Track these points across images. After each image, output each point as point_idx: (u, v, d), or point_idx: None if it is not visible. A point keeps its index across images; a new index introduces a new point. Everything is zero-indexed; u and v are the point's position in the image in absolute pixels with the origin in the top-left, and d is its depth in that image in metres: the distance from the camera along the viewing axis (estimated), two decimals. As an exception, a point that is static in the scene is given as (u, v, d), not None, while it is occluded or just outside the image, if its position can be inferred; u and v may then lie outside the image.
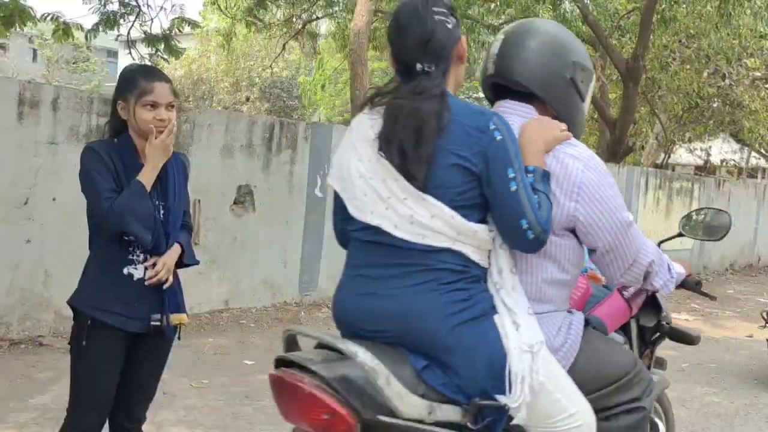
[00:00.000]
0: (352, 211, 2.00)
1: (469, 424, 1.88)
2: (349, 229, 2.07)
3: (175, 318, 2.69)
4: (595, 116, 15.43)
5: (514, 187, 1.88)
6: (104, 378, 2.61)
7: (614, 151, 12.58)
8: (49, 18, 9.81)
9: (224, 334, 6.31)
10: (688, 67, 13.36)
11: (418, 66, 1.98)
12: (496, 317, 1.92)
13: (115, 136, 2.66)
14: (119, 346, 2.61)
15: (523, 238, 1.90)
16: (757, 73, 14.41)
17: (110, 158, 2.56)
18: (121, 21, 10.52)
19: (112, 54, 41.73)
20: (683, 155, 25.44)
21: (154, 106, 2.57)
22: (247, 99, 27.75)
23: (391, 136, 1.92)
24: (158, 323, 2.63)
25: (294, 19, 14.59)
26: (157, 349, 2.74)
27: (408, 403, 1.83)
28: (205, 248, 6.55)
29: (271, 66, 20.46)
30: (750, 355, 7.21)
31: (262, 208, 7.23)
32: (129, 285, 2.59)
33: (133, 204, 2.50)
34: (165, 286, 2.63)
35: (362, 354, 1.84)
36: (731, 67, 13.63)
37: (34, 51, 37.07)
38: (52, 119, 5.72)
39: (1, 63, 32.26)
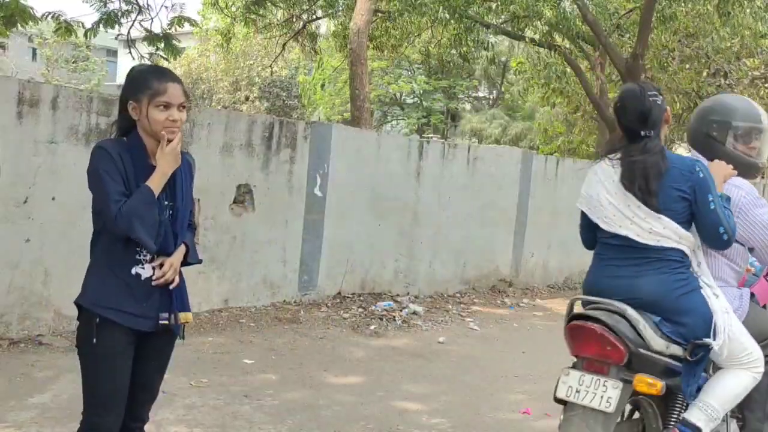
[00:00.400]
0: (603, 225, 3.10)
1: (688, 357, 2.98)
2: (598, 236, 3.18)
3: (182, 317, 2.70)
4: (595, 116, 15.43)
5: (713, 207, 2.97)
6: (118, 376, 2.60)
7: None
8: (50, 17, 9.82)
9: (223, 333, 6.32)
10: (687, 66, 13.36)
11: (642, 132, 3.03)
12: (702, 290, 3.01)
13: (123, 136, 2.66)
14: (129, 344, 2.62)
15: (720, 240, 3.00)
16: (756, 73, 14.41)
17: (120, 158, 2.56)
18: (122, 20, 10.52)
19: (112, 53, 41.72)
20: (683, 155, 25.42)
21: (167, 106, 2.57)
22: (247, 98, 27.74)
23: (632, 178, 3.00)
24: (167, 322, 2.64)
25: (294, 19, 14.59)
26: (163, 348, 2.75)
27: (656, 341, 2.94)
28: (205, 247, 6.56)
29: (270, 65, 20.45)
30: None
31: (261, 207, 7.24)
32: (137, 284, 2.60)
33: (141, 210, 2.51)
34: (172, 286, 2.64)
35: (630, 310, 2.96)
36: (732, 65, 13.62)
37: (34, 50, 37.05)
38: (52, 118, 5.72)
39: (1, 62, 32.24)
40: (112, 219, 2.50)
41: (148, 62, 11.09)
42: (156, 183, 2.57)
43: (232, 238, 7.00)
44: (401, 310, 7.77)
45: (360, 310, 7.64)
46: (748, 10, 10.67)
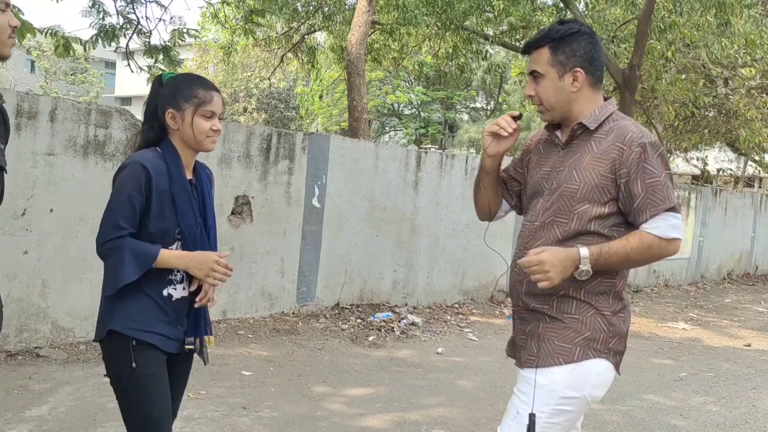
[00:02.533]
0: None
1: None
2: None
3: (208, 340, 2.65)
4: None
5: None
6: (165, 396, 2.53)
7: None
8: (48, 33, 9.85)
9: (222, 344, 6.30)
10: (684, 76, 13.41)
11: None
12: None
13: (150, 145, 2.56)
14: (163, 365, 2.54)
15: None
16: (753, 83, 14.46)
17: (155, 173, 2.45)
18: (120, 34, 10.57)
19: (110, 65, 41.86)
20: (680, 164, 25.51)
21: (211, 116, 2.54)
22: (245, 109, 27.80)
23: None
24: (192, 347, 2.59)
25: (292, 32, 14.65)
26: (186, 371, 2.71)
27: None
28: (203, 259, 6.55)
29: (269, 77, 20.51)
30: (748, 364, 7.21)
31: (259, 218, 7.24)
32: (168, 306, 2.54)
33: (132, 261, 2.42)
34: (210, 305, 2.61)
35: None
36: (730, 73, 13.67)
37: (32, 62, 37.16)
38: (50, 130, 5.73)
39: (-1, 74, 32.30)
40: (103, 241, 2.46)
41: (147, 74, 11.13)
42: (168, 261, 2.47)
43: (230, 250, 7.00)
44: (400, 321, 7.77)
45: (358, 321, 7.63)
46: (749, 19, 10.70)
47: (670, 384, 6.23)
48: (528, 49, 2.47)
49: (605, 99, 2.49)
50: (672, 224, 2.33)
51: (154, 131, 2.56)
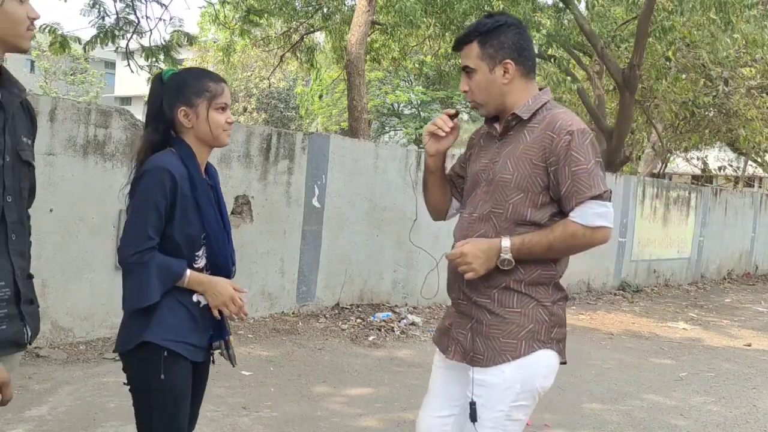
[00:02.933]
0: None
1: None
2: None
3: (230, 341, 2.60)
4: (593, 126, 15.46)
5: None
6: (185, 411, 2.49)
7: (611, 160, 12.62)
8: (46, 30, 9.84)
9: (222, 344, 6.30)
10: (684, 76, 13.41)
11: None
12: None
13: (155, 148, 2.44)
14: (189, 376, 2.48)
15: None
16: (753, 82, 14.46)
17: (182, 180, 2.36)
18: (120, 34, 10.55)
19: (110, 65, 41.85)
20: (680, 164, 25.51)
21: (225, 108, 2.46)
22: (245, 109, 27.80)
23: None
24: (219, 350, 2.55)
25: (291, 32, 14.64)
26: (206, 377, 2.65)
27: None
28: (203, 259, 6.55)
29: (268, 77, 20.50)
30: (748, 364, 7.20)
31: (259, 218, 7.24)
32: (197, 312, 2.47)
33: (157, 281, 2.34)
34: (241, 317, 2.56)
35: None
36: (731, 72, 13.66)
37: (32, 62, 37.13)
38: (50, 130, 5.72)
39: (-1, 74, 32.27)
40: (127, 255, 2.33)
41: (147, 74, 11.12)
42: (193, 282, 2.42)
43: (230, 250, 6.99)
44: (400, 321, 7.76)
45: (358, 321, 7.63)
46: (750, 18, 10.70)
47: (671, 384, 6.23)
48: (458, 46, 2.47)
49: (540, 89, 2.49)
50: (597, 212, 2.30)
51: (159, 133, 2.44)
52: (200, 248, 2.47)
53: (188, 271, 2.39)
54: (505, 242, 2.31)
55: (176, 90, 2.44)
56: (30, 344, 2.17)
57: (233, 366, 2.65)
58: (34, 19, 2.07)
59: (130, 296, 2.37)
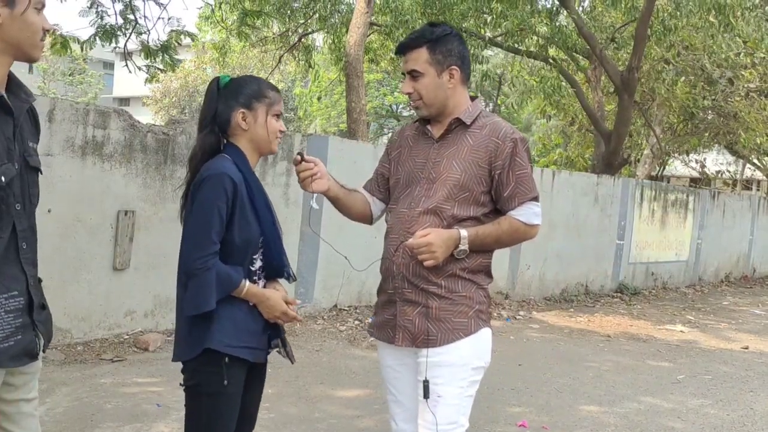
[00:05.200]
0: None
1: None
2: None
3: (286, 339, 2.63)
4: (591, 129, 15.47)
5: None
6: (234, 418, 2.49)
7: (610, 163, 12.63)
8: (48, 29, 9.83)
9: (219, 346, 6.29)
10: (683, 79, 13.43)
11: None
12: None
13: (212, 151, 2.49)
14: (244, 380, 2.51)
15: None
16: (752, 85, 14.48)
17: (240, 186, 2.42)
18: (119, 34, 10.55)
19: (108, 65, 41.82)
20: (678, 167, 25.53)
21: (279, 116, 2.58)
22: (243, 111, 27.74)
23: None
24: (278, 348, 2.59)
25: (289, 33, 14.64)
26: (263, 377, 2.67)
27: None
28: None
29: (267, 78, 20.50)
30: (746, 367, 7.21)
31: (257, 219, 7.23)
32: (256, 315, 2.49)
33: (215, 289, 2.35)
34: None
35: None
36: (732, 72, 13.68)
37: (30, 63, 37.08)
38: (48, 131, 5.71)
39: (-3, 75, 32.26)
40: (194, 258, 2.35)
41: (146, 74, 11.12)
42: (249, 294, 2.44)
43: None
44: (398, 323, 7.75)
45: (356, 322, 7.62)
46: (751, 20, 10.72)
47: (668, 386, 6.23)
48: (404, 50, 2.64)
49: (473, 98, 2.71)
50: (535, 212, 2.63)
51: (214, 134, 2.49)
52: (258, 251, 2.51)
53: (245, 282, 2.43)
54: (464, 233, 2.53)
55: (236, 93, 2.50)
56: (44, 352, 2.17)
57: (292, 363, 2.67)
58: (47, 30, 2.07)
59: (191, 302, 2.38)
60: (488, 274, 2.70)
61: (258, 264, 2.52)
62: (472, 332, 2.59)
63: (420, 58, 2.58)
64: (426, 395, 2.53)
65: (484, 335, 2.64)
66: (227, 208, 2.38)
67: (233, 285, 2.39)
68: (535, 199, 2.62)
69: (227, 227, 2.40)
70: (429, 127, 2.69)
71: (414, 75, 2.60)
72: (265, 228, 2.52)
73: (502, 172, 2.56)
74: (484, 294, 2.67)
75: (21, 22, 1.98)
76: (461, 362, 2.56)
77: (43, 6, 2.04)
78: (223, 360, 2.39)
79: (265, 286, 2.54)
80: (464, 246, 2.53)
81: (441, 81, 2.60)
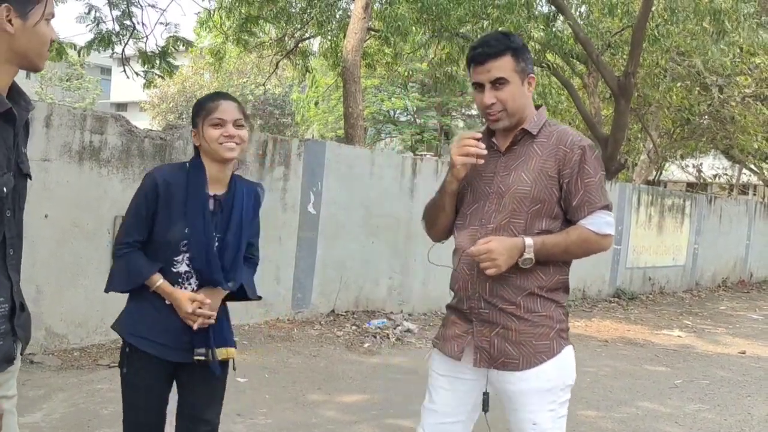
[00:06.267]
0: None
1: None
2: None
3: (221, 353, 2.63)
4: (588, 134, 15.50)
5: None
6: (144, 404, 2.60)
7: (606, 168, 12.64)
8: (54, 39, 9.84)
9: (217, 351, 6.28)
10: (679, 84, 13.46)
11: None
12: None
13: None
14: (159, 374, 2.59)
15: None
16: (748, 91, 14.52)
17: (166, 185, 2.54)
18: (116, 40, 10.55)
19: (106, 71, 41.79)
20: (675, 172, 25.57)
21: (221, 123, 2.57)
22: (241, 116, 27.70)
23: None
24: (202, 358, 2.59)
25: (286, 38, 14.65)
26: (209, 378, 2.66)
27: None
28: (198, 265, 6.54)
29: (264, 83, 20.52)
30: (743, 372, 7.21)
31: (255, 224, 7.23)
32: (174, 315, 2.55)
33: (126, 273, 2.57)
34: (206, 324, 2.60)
35: None
36: (725, 80, 13.72)
37: (28, 68, 37.01)
38: (45, 136, 5.72)
39: (-6, 80, 32.19)
40: (116, 244, 2.61)
41: (143, 80, 11.13)
42: (159, 288, 2.54)
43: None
44: (395, 328, 7.76)
45: (354, 327, 7.62)
46: (746, 26, 10.75)
47: (665, 391, 6.23)
48: (486, 59, 2.49)
49: (537, 107, 2.62)
50: (606, 221, 2.50)
51: (196, 155, 2.67)
52: (179, 254, 2.57)
53: (156, 278, 2.54)
54: (529, 241, 2.43)
55: (191, 116, 2.68)
56: (22, 354, 2.17)
57: (215, 375, 2.67)
58: (54, 40, 2.08)
59: (107, 281, 2.63)
60: (566, 291, 2.60)
61: (183, 268, 2.58)
62: (556, 353, 2.49)
63: (506, 65, 2.47)
64: (486, 408, 2.54)
65: (567, 353, 2.54)
66: (146, 207, 2.55)
67: (141, 277, 2.53)
68: (607, 207, 2.50)
69: (153, 225, 2.56)
70: (494, 139, 2.58)
71: (499, 83, 2.48)
72: (192, 234, 2.55)
73: (570, 181, 2.48)
74: (563, 312, 2.57)
75: (32, 34, 1.98)
76: (549, 386, 2.48)
77: (53, 17, 2.05)
78: (125, 347, 2.59)
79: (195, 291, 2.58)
80: (529, 254, 2.42)
81: (523, 89, 2.52)
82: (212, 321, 2.60)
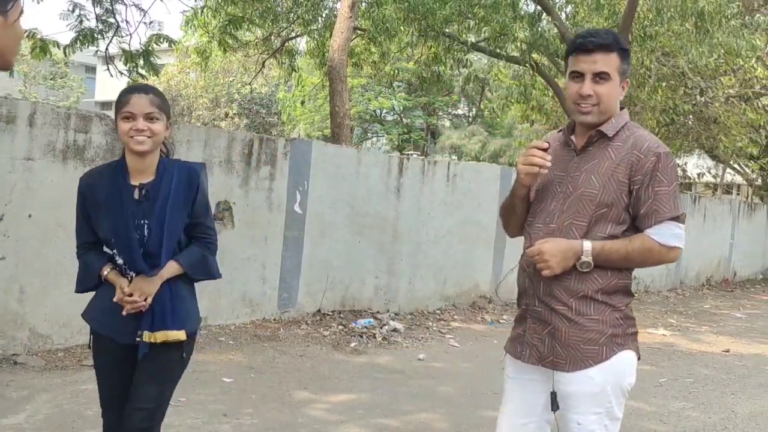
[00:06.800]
0: None
1: None
2: None
3: (160, 335, 2.67)
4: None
5: None
6: (104, 385, 2.78)
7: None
8: (25, 35, 9.74)
9: (202, 351, 6.26)
10: (664, 84, 13.53)
11: None
12: None
13: None
14: (116, 356, 2.73)
15: None
16: (732, 91, 14.62)
17: (89, 188, 2.73)
18: (99, 37, 10.46)
19: (90, 69, 41.51)
20: (660, 171, 25.66)
21: (131, 117, 2.61)
22: (226, 115, 27.69)
23: None
24: (140, 339, 2.67)
25: (272, 38, 14.60)
26: (155, 359, 2.70)
27: None
28: (184, 265, 6.50)
29: (250, 83, 20.46)
30: (726, 370, 7.27)
31: (240, 224, 7.21)
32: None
33: (81, 277, 2.84)
34: (143, 309, 2.67)
35: None
36: (709, 83, 13.81)
37: (11, 66, 36.67)
38: (29, 135, 5.67)
39: (-23, 78, 31.91)
40: (75, 247, 2.85)
41: (129, 79, 11.05)
42: (110, 279, 2.72)
43: (211, 256, 6.95)
44: (381, 328, 7.75)
45: (340, 327, 7.61)
46: (731, 25, 10.82)
47: (650, 390, 6.27)
48: (593, 49, 2.44)
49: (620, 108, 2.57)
50: (675, 233, 2.43)
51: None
52: (114, 248, 2.72)
53: (105, 269, 2.72)
54: (587, 245, 2.38)
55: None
56: None
57: (138, 357, 2.72)
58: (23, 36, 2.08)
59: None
60: (626, 294, 2.52)
61: (120, 260, 2.72)
62: (604, 359, 2.44)
63: (612, 62, 2.43)
64: (555, 407, 2.50)
65: (620, 359, 2.46)
66: (81, 211, 2.78)
67: (95, 272, 2.74)
68: (677, 219, 2.41)
69: (93, 225, 2.76)
70: (573, 137, 2.55)
71: (601, 77, 2.43)
72: (111, 229, 2.68)
73: (640, 188, 2.40)
74: (620, 315, 2.47)
75: (12, 31, 1.97)
76: (596, 390, 2.44)
77: (23, 13, 2.04)
78: (90, 332, 2.79)
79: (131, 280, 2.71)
80: (587, 258, 2.38)
81: (619, 90, 2.48)
82: (143, 306, 2.66)
